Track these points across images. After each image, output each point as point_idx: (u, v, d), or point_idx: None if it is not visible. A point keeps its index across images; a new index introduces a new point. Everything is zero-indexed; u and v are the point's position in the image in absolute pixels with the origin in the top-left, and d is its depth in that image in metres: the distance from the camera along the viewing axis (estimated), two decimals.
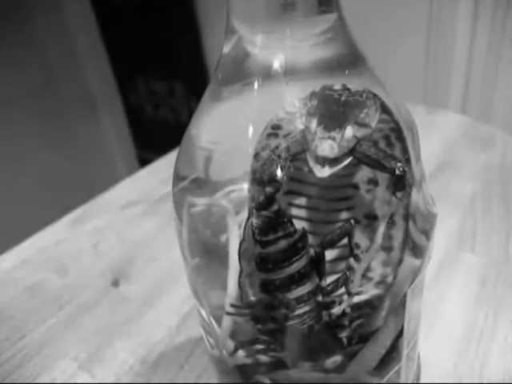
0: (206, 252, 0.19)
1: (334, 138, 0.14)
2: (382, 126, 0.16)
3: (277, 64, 0.16)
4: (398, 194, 0.16)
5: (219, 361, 0.21)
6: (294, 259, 0.16)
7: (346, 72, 0.17)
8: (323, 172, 0.14)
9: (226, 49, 0.17)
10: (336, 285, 0.17)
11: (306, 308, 0.17)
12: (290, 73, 0.16)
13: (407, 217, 0.18)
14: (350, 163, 0.17)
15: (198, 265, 0.19)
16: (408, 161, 0.17)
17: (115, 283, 0.38)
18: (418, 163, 0.18)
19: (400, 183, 0.15)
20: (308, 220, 0.18)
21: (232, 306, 0.17)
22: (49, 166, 1.18)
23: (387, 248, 0.18)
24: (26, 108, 1.17)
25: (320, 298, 0.17)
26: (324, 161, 0.14)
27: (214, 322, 0.20)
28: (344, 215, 0.18)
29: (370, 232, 0.18)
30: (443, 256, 0.36)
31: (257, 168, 0.16)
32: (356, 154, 0.14)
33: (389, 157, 0.15)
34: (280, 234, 0.16)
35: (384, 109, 0.16)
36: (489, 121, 0.70)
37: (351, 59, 0.17)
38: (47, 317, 0.35)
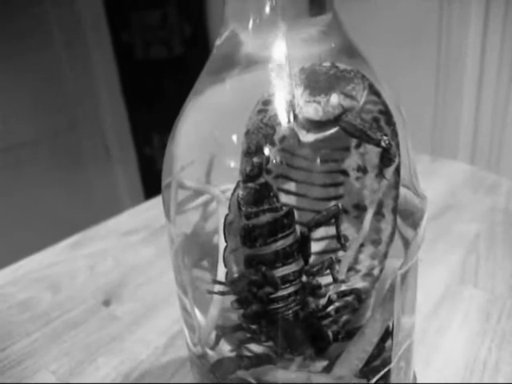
0: (193, 234, 0.19)
1: (319, 102, 0.14)
2: (370, 108, 0.16)
3: (267, 55, 0.17)
4: (387, 174, 0.16)
5: (201, 359, 0.20)
6: (280, 236, 0.16)
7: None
8: (307, 137, 0.14)
9: (219, 41, 0.18)
10: (321, 267, 0.17)
11: (291, 289, 0.16)
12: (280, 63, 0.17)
13: (395, 210, 0.18)
14: (339, 147, 0.17)
15: (183, 244, 0.19)
16: (398, 147, 0.17)
17: (106, 303, 0.37)
18: (409, 155, 0.18)
19: (386, 157, 0.15)
20: (297, 208, 0.18)
21: (214, 281, 0.17)
22: (59, 209, 1.20)
23: (375, 241, 0.18)
24: (44, 151, 1.21)
25: (305, 279, 0.16)
26: (309, 125, 0.14)
27: (197, 311, 0.19)
28: (333, 204, 0.18)
29: (358, 223, 0.18)
30: (444, 290, 0.34)
31: (245, 139, 0.16)
32: (341, 123, 0.15)
33: (375, 128, 0.15)
34: (265, 206, 0.16)
35: (372, 90, 0.16)
36: (498, 173, 0.70)
37: (346, 52, 0.18)
38: (32, 330, 0.34)
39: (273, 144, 0.17)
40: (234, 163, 0.17)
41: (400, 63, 0.74)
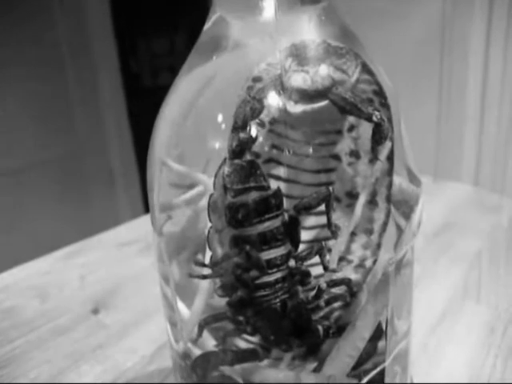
0: (184, 228, 0.18)
1: (307, 71, 0.13)
2: (364, 87, 0.16)
3: (255, 40, 0.17)
4: (380, 156, 0.15)
5: (184, 358, 0.19)
6: (267, 216, 0.15)
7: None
8: (295, 108, 0.14)
9: (207, 26, 0.18)
10: (310, 251, 0.16)
11: (278, 275, 0.15)
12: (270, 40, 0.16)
13: (389, 198, 0.17)
14: (330, 130, 0.17)
15: (176, 239, 0.18)
16: (392, 130, 0.16)
17: (95, 311, 0.35)
18: (402, 140, 0.17)
19: (378, 133, 0.14)
20: (287, 196, 0.17)
21: (197, 263, 0.16)
22: (61, 231, 1.19)
23: (368, 230, 0.17)
24: (48, 173, 1.21)
25: (293, 264, 0.15)
26: (297, 96, 0.14)
27: (181, 304, 0.18)
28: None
29: (350, 213, 0.17)
30: (446, 305, 0.33)
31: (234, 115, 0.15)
32: (331, 95, 0.14)
33: (366, 103, 0.14)
34: (252, 184, 0.15)
35: (366, 69, 0.16)
36: (502, 195, 0.69)
37: (341, 38, 0.18)
38: (15, 337, 0.32)
39: (262, 125, 0.16)
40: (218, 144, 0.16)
41: (402, 83, 0.74)
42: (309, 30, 0.17)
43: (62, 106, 1.23)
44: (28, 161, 1.17)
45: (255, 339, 0.17)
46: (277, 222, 0.15)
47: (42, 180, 1.20)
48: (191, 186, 0.18)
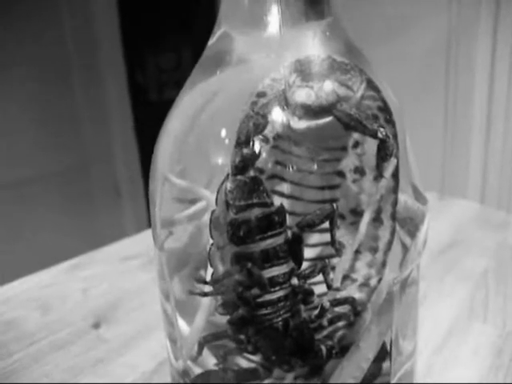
0: (187, 245, 0.18)
1: (311, 87, 0.13)
2: (369, 104, 0.16)
3: (259, 56, 0.16)
4: (385, 173, 0.15)
5: (183, 376, 0.19)
6: (270, 233, 0.15)
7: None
8: (299, 124, 0.14)
9: (211, 41, 0.18)
10: (313, 269, 0.15)
11: (280, 293, 0.15)
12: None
13: (394, 216, 0.17)
14: (335, 146, 0.17)
15: (178, 256, 0.18)
16: (397, 147, 0.16)
17: (96, 325, 0.35)
18: (407, 158, 0.17)
19: (383, 150, 0.14)
20: (291, 213, 0.17)
21: (198, 280, 0.15)
22: (66, 246, 1.19)
23: (373, 249, 0.17)
24: (54, 188, 1.22)
25: (295, 282, 0.15)
26: (301, 111, 0.13)
27: (179, 317, 0.18)
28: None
29: (355, 230, 0.17)
30: (452, 324, 0.32)
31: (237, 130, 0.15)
32: (336, 111, 0.14)
33: (371, 119, 0.14)
34: (254, 200, 0.15)
35: (371, 85, 0.15)
36: (509, 212, 0.68)
37: (345, 55, 0.18)
38: (15, 351, 0.32)
39: (266, 141, 0.16)
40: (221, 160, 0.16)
41: (408, 99, 0.74)
42: (313, 46, 0.17)
43: (69, 119, 1.24)
44: (34, 173, 1.17)
45: (256, 358, 0.17)
46: (279, 240, 0.15)
47: (47, 193, 1.21)
48: (194, 201, 0.17)
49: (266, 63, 0.16)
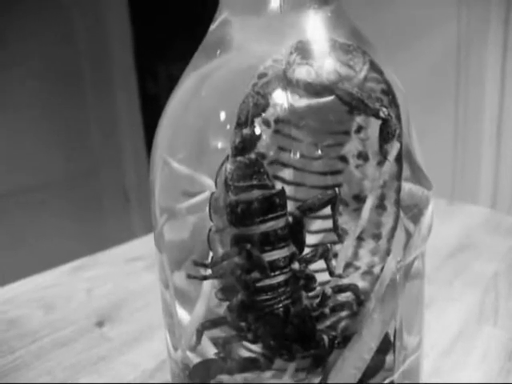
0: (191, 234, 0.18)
1: (311, 64, 0.13)
2: (372, 86, 0.15)
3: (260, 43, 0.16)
4: (388, 153, 0.15)
5: (182, 366, 0.18)
6: (270, 216, 0.15)
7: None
8: (300, 102, 0.13)
9: (212, 27, 0.17)
10: (315, 254, 0.15)
11: (281, 278, 0.15)
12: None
13: (398, 203, 0.17)
14: (337, 130, 0.16)
15: (182, 245, 0.18)
16: (400, 129, 0.16)
17: (99, 324, 0.35)
18: (411, 142, 0.17)
19: (386, 130, 0.14)
20: (293, 199, 0.16)
21: (195, 263, 0.15)
22: (75, 252, 1.19)
23: (376, 236, 0.17)
24: (64, 194, 1.23)
25: (296, 266, 0.15)
26: (301, 89, 0.13)
27: (179, 306, 0.17)
28: None
29: (357, 217, 0.17)
30: (461, 328, 0.32)
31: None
32: (337, 90, 0.14)
33: (373, 98, 0.14)
34: (254, 182, 0.15)
35: (374, 67, 0.15)
36: None
37: (352, 40, 0.17)
38: (17, 348, 0.32)
39: (267, 124, 0.16)
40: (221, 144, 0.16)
41: (418, 106, 0.74)
42: (316, 30, 0.17)
43: (80, 126, 1.25)
44: (44, 179, 1.18)
45: (257, 348, 0.16)
46: (280, 223, 0.15)
47: (57, 198, 1.22)
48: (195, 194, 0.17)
49: (267, 47, 0.16)
